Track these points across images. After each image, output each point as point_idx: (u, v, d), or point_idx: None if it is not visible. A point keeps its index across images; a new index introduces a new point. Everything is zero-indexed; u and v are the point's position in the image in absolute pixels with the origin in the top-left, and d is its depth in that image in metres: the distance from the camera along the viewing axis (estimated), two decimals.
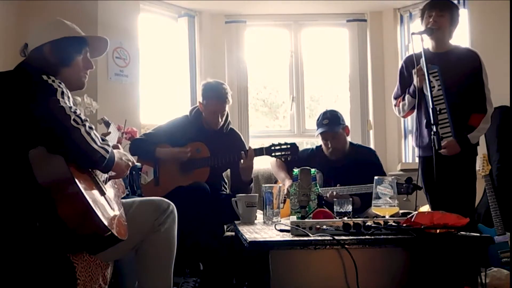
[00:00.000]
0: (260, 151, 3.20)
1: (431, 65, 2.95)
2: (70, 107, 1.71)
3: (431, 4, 3.04)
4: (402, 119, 4.81)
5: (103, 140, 1.79)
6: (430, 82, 2.71)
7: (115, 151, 1.90)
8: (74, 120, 1.68)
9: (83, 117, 1.72)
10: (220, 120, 3.27)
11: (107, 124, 2.36)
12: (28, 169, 1.66)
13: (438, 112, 2.86)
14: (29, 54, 1.95)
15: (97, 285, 1.91)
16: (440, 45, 3.04)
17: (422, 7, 3.11)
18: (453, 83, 2.95)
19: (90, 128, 1.73)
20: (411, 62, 3.03)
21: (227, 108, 3.30)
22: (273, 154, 3.16)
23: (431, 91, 2.67)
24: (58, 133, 1.67)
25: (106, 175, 1.97)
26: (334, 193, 3.16)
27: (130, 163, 2.02)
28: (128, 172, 2.05)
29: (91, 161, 1.74)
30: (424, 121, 2.83)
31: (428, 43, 3.06)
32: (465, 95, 2.96)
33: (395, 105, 3.23)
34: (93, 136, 1.73)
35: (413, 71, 2.93)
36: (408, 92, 3.03)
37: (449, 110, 2.92)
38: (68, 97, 1.76)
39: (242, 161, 3.13)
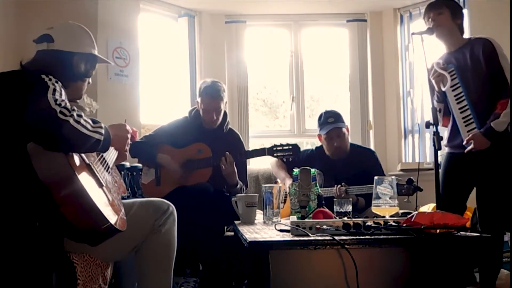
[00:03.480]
0: (262, 152, 3.21)
1: (447, 65, 2.93)
2: (56, 100, 1.67)
3: (427, 7, 3.01)
4: (402, 119, 4.82)
5: (94, 122, 1.78)
6: (431, 81, 2.71)
7: (110, 128, 1.90)
8: (61, 112, 1.65)
9: (69, 107, 1.69)
10: (215, 117, 3.26)
11: None
12: (28, 164, 1.65)
13: (460, 111, 2.86)
14: (46, 51, 1.96)
15: (97, 285, 1.91)
16: (452, 43, 2.98)
17: (423, 13, 3.06)
18: (473, 77, 2.88)
19: (79, 116, 1.70)
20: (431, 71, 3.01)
21: (222, 106, 3.30)
22: (274, 154, 3.17)
23: (432, 91, 2.67)
24: (49, 130, 1.65)
25: (110, 164, 1.99)
26: (343, 188, 3.18)
27: (128, 135, 2.03)
28: (128, 142, 2.05)
29: (87, 147, 1.75)
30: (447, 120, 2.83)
31: (443, 47, 3.02)
32: (488, 85, 2.85)
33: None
34: (83, 123, 1.71)
35: (431, 78, 2.90)
36: (435, 99, 2.97)
37: (472, 106, 2.84)
38: (61, 94, 1.74)
39: (223, 166, 3.13)
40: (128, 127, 2.06)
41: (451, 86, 2.92)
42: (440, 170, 2.73)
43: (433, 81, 2.93)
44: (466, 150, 2.81)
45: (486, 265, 2.87)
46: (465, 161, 2.90)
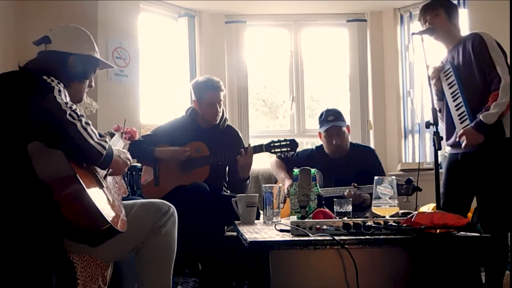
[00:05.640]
0: (259, 148, 3.21)
1: (444, 63, 2.94)
2: (66, 103, 1.71)
3: (423, 8, 3.00)
4: (402, 119, 4.82)
5: (100, 136, 1.79)
6: (430, 80, 2.70)
7: (114, 148, 1.91)
8: (69, 115, 1.68)
9: (79, 113, 1.72)
10: (218, 110, 3.28)
11: (112, 135, 2.39)
12: (28, 164, 1.66)
13: (455, 108, 2.85)
14: (44, 52, 1.97)
15: (97, 286, 1.91)
16: (450, 42, 2.99)
17: (418, 15, 3.06)
18: (466, 74, 2.87)
19: (87, 123, 1.73)
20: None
21: (222, 98, 3.32)
22: (272, 150, 3.17)
23: (431, 90, 2.66)
24: (54, 128, 1.67)
25: (104, 171, 1.97)
26: (352, 192, 3.17)
27: (128, 162, 2.02)
28: (126, 170, 2.05)
29: (88, 156, 1.75)
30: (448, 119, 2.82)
31: (443, 48, 3.02)
32: (480, 80, 2.83)
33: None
34: (90, 132, 1.73)
35: (430, 77, 2.88)
36: (436, 98, 2.97)
37: (466, 102, 2.82)
38: (65, 95, 1.76)
39: (241, 158, 3.14)
40: (130, 158, 2.05)
41: (448, 84, 2.92)
42: (443, 171, 2.72)
43: (433, 81, 2.94)
44: (463, 146, 2.79)
45: (491, 266, 2.85)
46: (465, 163, 2.90)
